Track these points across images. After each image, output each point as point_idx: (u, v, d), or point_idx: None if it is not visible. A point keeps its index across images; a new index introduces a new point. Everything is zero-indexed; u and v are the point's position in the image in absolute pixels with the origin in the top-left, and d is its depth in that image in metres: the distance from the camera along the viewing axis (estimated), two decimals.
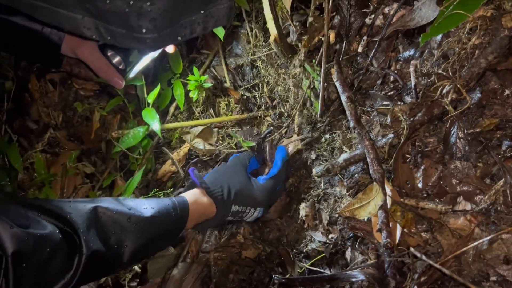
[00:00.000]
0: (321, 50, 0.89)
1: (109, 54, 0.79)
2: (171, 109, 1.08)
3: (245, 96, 1.08)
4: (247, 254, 0.98)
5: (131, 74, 0.85)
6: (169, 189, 1.03)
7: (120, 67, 0.79)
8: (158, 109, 1.04)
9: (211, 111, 1.08)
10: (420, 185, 0.74)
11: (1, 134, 1.19)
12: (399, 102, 0.79)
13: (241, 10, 1.02)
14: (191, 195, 0.80)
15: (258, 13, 1.01)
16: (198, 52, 1.11)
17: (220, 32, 0.96)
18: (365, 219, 0.74)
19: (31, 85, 1.15)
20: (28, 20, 0.76)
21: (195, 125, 1.05)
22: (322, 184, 0.93)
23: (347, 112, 0.77)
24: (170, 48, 0.82)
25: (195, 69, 1.02)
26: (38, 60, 0.86)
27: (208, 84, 1.02)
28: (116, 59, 0.79)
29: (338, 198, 0.88)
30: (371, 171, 0.73)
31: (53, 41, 0.76)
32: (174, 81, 1.03)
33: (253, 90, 1.07)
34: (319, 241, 0.85)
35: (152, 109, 0.97)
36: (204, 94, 1.04)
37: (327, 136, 0.95)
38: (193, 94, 1.02)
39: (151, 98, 0.96)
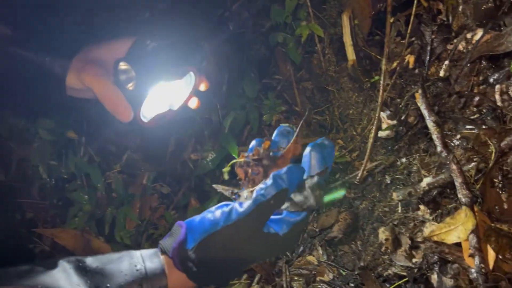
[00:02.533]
0: (394, 75, 0.90)
1: (120, 66, 0.66)
2: (245, 132, 1.11)
3: (315, 120, 1.10)
4: (322, 277, 0.98)
5: (147, 112, 0.69)
6: None
7: (130, 87, 0.66)
8: (233, 132, 1.08)
9: None
10: (509, 210, 0.73)
11: (80, 156, 1.26)
12: (483, 126, 0.79)
13: (314, 36, 1.05)
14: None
15: (332, 39, 1.04)
16: (270, 77, 1.15)
17: (296, 57, 0.99)
18: (454, 244, 0.73)
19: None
20: (28, 50, 0.69)
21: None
22: (399, 208, 0.93)
23: (434, 136, 0.77)
24: (194, 103, 0.76)
25: (270, 94, 1.05)
26: (40, 93, 0.74)
27: (282, 108, 1.05)
28: (129, 75, 0.66)
29: (418, 222, 0.87)
30: (459, 195, 0.73)
31: (57, 73, 0.68)
32: (249, 106, 1.07)
33: (324, 114, 1.09)
34: (401, 265, 0.84)
35: (229, 133, 1.00)
36: (276, 118, 1.07)
37: (404, 160, 0.95)
38: (267, 118, 1.05)
39: (227, 123, 1.00)
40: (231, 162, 0.57)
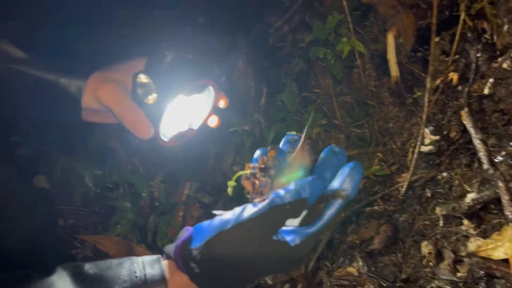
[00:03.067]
0: (437, 92, 0.92)
1: (139, 79, 0.64)
2: None
3: (354, 133, 1.12)
4: None
5: (166, 130, 0.68)
6: None
7: (149, 100, 0.64)
8: (274, 145, 1.10)
9: (322, 147, 1.13)
10: None
11: (123, 165, 1.31)
12: None
13: (354, 51, 1.07)
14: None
15: (373, 54, 1.06)
16: (309, 91, 1.17)
17: (337, 73, 1.02)
18: (501, 260, 0.75)
19: None
20: (43, 70, 0.67)
21: None
22: (441, 222, 0.94)
23: (480, 154, 0.79)
24: (213, 122, 0.74)
25: (310, 107, 1.08)
26: (55, 115, 0.71)
27: (322, 121, 1.07)
28: (147, 89, 0.64)
29: (461, 236, 0.89)
30: (506, 212, 0.74)
31: (72, 94, 0.66)
32: (289, 119, 1.10)
33: (363, 127, 1.11)
34: (445, 279, 0.86)
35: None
36: (316, 131, 1.09)
37: (445, 174, 0.97)
38: (308, 131, 1.07)
39: (270, 136, 1.03)
40: (237, 174, 0.54)
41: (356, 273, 1.03)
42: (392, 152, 1.08)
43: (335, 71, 1.02)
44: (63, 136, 0.98)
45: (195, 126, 0.73)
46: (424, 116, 0.84)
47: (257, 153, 0.55)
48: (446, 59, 0.89)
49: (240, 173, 0.53)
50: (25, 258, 0.96)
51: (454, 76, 0.88)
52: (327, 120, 1.11)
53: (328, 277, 1.03)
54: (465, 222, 0.87)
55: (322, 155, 0.54)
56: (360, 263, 1.04)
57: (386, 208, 1.06)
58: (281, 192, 0.48)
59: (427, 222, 0.98)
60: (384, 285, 0.99)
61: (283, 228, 0.50)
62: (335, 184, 0.50)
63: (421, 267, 0.95)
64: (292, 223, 0.50)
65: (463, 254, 0.85)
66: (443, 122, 0.93)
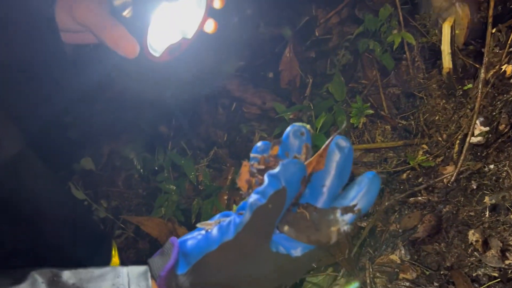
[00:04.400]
0: (489, 84, 0.93)
1: None
2: (331, 132, 1.16)
3: (400, 124, 1.14)
4: (405, 275, 1.02)
5: (156, 44, 0.61)
6: None
7: (126, 14, 0.57)
8: (322, 132, 1.13)
9: (368, 137, 1.15)
10: None
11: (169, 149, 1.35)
12: None
13: (404, 43, 1.09)
14: None
15: (423, 47, 1.08)
16: (356, 81, 1.20)
17: (389, 63, 1.04)
18: None
19: (201, 108, 1.30)
20: None
21: (354, 149, 1.12)
22: (487, 213, 0.95)
23: None
24: (210, 27, 0.66)
25: (358, 98, 1.10)
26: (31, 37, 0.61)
27: (369, 111, 1.10)
28: (126, 10, 0.58)
29: (508, 226, 0.90)
30: None
31: (43, 10, 0.59)
32: (336, 108, 1.12)
33: (409, 119, 1.13)
34: (492, 266, 0.87)
35: (320, 134, 1.06)
36: (363, 120, 1.12)
37: (492, 166, 0.98)
38: (355, 121, 1.10)
39: (319, 123, 1.06)
40: (237, 175, 0.47)
41: (398, 261, 1.05)
42: (438, 144, 1.10)
43: (386, 61, 1.04)
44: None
45: (190, 34, 0.65)
46: (477, 106, 0.86)
47: (257, 148, 0.46)
48: (500, 51, 0.91)
49: (240, 173, 0.46)
50: (63, 241, 1.00)
51: (508, 69, 0.90)
52: (374, 110, 1.13)
53: (370, 263, 1.06)
54: None
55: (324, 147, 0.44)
56: (403, 251, 1.06)
57: (430, 198, 1.07)
58: (256, 192, 0.41)
59: (472, 213, 0.99)
60: (427, 272, 1.01)
61: (283, 236, 0.44)
62: (350, 195, 0.42)
63: (466, 256, 0.96)
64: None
65: (511, 243, 0.86)
66: (494, 114, 0.94)
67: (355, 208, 0.42)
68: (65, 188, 1.36)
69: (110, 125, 1.48)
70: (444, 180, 1.06)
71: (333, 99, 1.15)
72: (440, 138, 1.09)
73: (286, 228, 0.43)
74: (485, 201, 0.89)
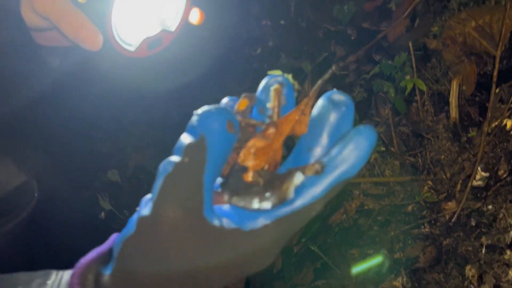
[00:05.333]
0: (491, 134, 1.04)
1: None
2: None
3: (408, 161, 1.24)
4: None
5: (129, 37, 0.54)
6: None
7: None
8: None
9: (378, 171, 1.25)
10: None
11: None
12: None
13: (415, 88, 1.19)
14: None
15: (433, 93, 1.18)
16: (369, 118, 1.30)
17: (401, 107, 1.14)
18: None
19: None
20: None
21: (365, 182, 1.23)
22: (483, 249, 1.05)
23: None
24: (195, 16, 0.57)
25: None
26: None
27: (381, 148, 1.20)
28: None
29: (502, 264, 1.00)
30: None
31: (9, 5, 0.53)
32: None
33: (417, 156, 1.23)
34: None
35: None
36: (375, 156, 1.22)
37: (490, 207, 1.08)
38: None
39: None
40: None
41: (400, 287, 1.14)
42: (442, 182, 1.20)
43: (398, 105, 1.14)
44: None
45: (172, 27, 0.57)
46: (479, 155, 0.96)
47: (225, 101, 0.37)
48: (503, 106, 1.01)
49: None
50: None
51: (508, 122, 1.00)
52: (385, 147, 1.23)
53: None
54: (508, 252, 0.98)
55: (317, 106, 0.34)
56: (405, 279, 1.16)
57: (432, 231, 1.17)
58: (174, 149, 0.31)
59: (470, 248, 1.09)
60: None
61: (229, 208, 0.32)
62: (333, 152, 0.31)
63: (462, 287, 1.06)
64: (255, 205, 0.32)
65: (503, 280, 0.96)
66: (494, 161, 1.04)
67: (318, 167, 0.31)
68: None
69: (136, 140, 1.59)
70: (446, 215, 1.16)
71: None
72: (444, 177, 1.19)
73: (234, 198, 0.32)
74: (482, 240, 0.99)
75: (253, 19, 1.58)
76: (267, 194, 0.32)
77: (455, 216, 1.02)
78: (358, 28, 1.40)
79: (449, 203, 1.19)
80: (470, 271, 1.01)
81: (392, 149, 1.24)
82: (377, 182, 1.23)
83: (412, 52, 1.20)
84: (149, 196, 0.32)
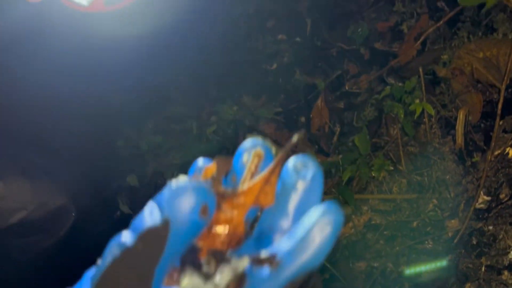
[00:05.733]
0: (494, 161, 1.10)
1: None
2: (353, 183, 1.34)
3: (415, 179, 1.31)
4: None
5: None
6: None
7: None
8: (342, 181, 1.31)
9: (386, 188, 1.32)
10: None
11: None
12: None
13: (424, 112, 1.26)
14: None
15: (441, 117, 1.24)
16: (379, 137, 1.37)
17: (410, 131, 1.21)
18: None
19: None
20: None
21: (373, 198, 1.30)
22: (483, 268, 1.13)
23: None
24: None
25: (380, 155, 1.27)
26: None
27: (390, 167, 1.27)
28: None
29: (500, 283, 1.07)
30: None
31: None
32: (360, 161, 1.29)
33: (423, 175, 1.30)
34: None
35: (346, 186, 1.23)
36: (383, 174, 1.29)
37: (491, 227, 1.15)
38: (376, 174, 1.27)
39: (346, 176, 1.23)
40: None
41: None
42: (446, 200, 1.27)
43: (407, 129, 1.20)
44: None
45: None
46: (482, 181, 1.03)
47: (199, 164, 0.32)
48: (506, 135, 1.07)
49: None
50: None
51: (510, 151, 1.06)
52: (393, 165, 1.30)
53: None
54: (505, 272, 1.05)
55: (281, 174, 0.30)
56: None
57: (436, 247, 1.25)
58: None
59: (470, 265, 1.16)
60: None
61: None
62: (290, 242, 0.26)
63: None
64: None
65: None
66: (496, 187, 1.11)
67: (275, 261, 0.27)
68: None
69: (156, 147, 1.67)
70: (449, 233, 1.23)
71: (358, 152, 1.32)
72: (448, 196, 1.26)
73: (185, 280, 0.29)
74: (482, 260, 1.06)
75: (269, 34, 1.64)
76: (217, 279, 0.27)
77: (459, 235, 1.09)
78: (371, 48, 1.46)
79: (452, 221, 1.26)
80: None
81: (400, 167, 1.31)
82: (385, 198, 1.30)
83: (422, 76, 1.26)
84: (93, 271, 0.27)
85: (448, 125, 1.24)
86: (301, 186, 0.28)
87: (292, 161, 0.29)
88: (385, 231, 1.29)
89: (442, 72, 1.16)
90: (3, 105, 1.10)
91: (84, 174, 1.34)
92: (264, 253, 0.27)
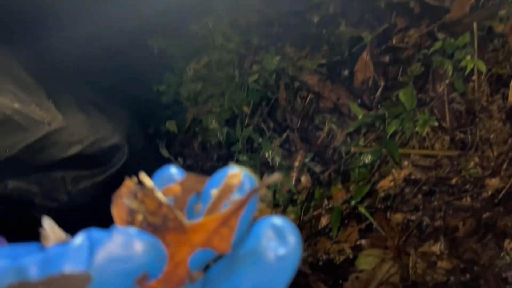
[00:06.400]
0: None
1: None
2: (396, 137, 1.34)
3: (458, 137, 1.31)
4: (442, 265, 1.23)
5: None
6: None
7: None
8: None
9: (428, 143, 1.32)
10: None
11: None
12: None
13: (474, 69, 1.24)
14: None
15: (491, 75, 1.23)
16: (425, 93, 1.36)
17: (460, 87, 1.19)
18: None
19: (281, 95, 1.49)
20: None
21: (415, 154, 1.31)
22: None
23: None
24: None
25: (426, 111, 1.27)
26: None
27: (435, 123, 1.27)
28: None
29: None
30: None
31: None
32: (405, 116, 1.29)
33: (467, 133, 1.30)
34: None
35: (391, 139, 1.24)
36: (427, 130, 1.29)
37: None
38: (420, 130, 1.27)
39: (391, 129, 1.23)
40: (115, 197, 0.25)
41: (438, 252, 1.25)
42: (488, 159, 1.27)
43: (457, 85, 1.19)
44: None
45: None
46: None
47: (167, 173, 0.26)
48: None
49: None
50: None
51: None
52: (437, 121, 1.30)
53: (414, 251, 1.26)
54: None
55: (251, 228, 0.23)
56: (443, 245, 1.25)
57: (473, 204, 1.26)
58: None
59: (509, 224, 1.18)
60: (462, 266, 1.21)
61: None
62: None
63: (498, 258, 1.15)
64: None
65: None
66: None
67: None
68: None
69: (195, 94, 1.68)
70: (489, 191, 1.24)
71: (402, 106, 1.31)
72: (491, 155, 1.26)
73: None
74: None
75: None
76: None
77: (502, 193, 1.10)
78: (421, 2, 1.42)
79: (493, 180, 1.26)
80: (509, 245, 1.10)
81: (444, 124, 1.30)
82: (426, 154, 1.30)
83: (475, 32, 1.23)
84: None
85: (499, 83, 1.23)
86: (269, 257, 0.21)
87: (272, 220, 0.22)
88: (424, 186, 1.31)
89: (499, 28, 1.13)
90: (65, 50, 1.13)
91: (133, 116, 1.37)
92: None
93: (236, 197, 0.23)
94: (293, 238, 0.21)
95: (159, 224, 0.23)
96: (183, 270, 0.23)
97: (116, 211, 0.24)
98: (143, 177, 0.25)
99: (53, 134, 1.03)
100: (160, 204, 0.23)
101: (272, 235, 0.22)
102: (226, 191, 0.24)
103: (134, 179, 0.24)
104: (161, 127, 1.69)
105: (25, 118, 0.98)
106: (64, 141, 1.06)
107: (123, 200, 0.24)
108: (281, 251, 0.21)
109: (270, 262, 0.21)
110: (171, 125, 1.69)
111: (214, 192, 0.24)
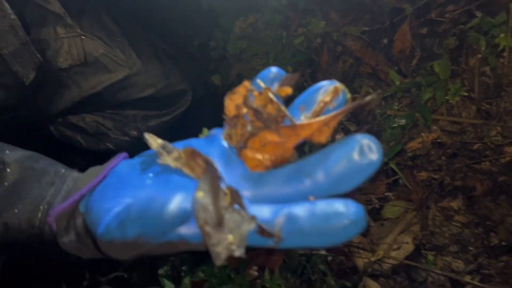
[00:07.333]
0: None
1: None
2: (428, 103, 1.48)
3: (484, 107, 1.44)
4: (459, 219, 1.40)
5: None
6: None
7: None
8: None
9: (456, 111, 1.46)
10: None
11: None
12: None
13: (507, 46, 1.36)
14: None
15: None
16: (457, 65, 1.48)
17: (493, 62, 1.32)
18: None
19: (323, 58, 1.61)
20: None
21: (443, 120, 1.45)
22: None
23: None
24: None
25: (458, 81, 1.40)
26: None
27: (464, 93, 1.40)
28: None
29: None
30: None
31: None
32: (438, 85, 1.43)
33: (493, 105, 1.43)
34: None
35: (425, 105, 1.37)
36: (457, 99, 1.43)
37: None
38: (451, 98, 1.41)
39: (426, 96, 1.37)
40: (231, 92, 0.36)
41: (456, 208, 1.41)
42: (509, 129, 1.41)
43: (490, 61, 1.32)
44: None
45: None
46: None
47: (268, 74, 0.33)
48: None
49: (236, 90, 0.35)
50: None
51: None
52: (467, 92, 1.43)
53: (435, 205, 1.42)
54: None
55: (342, 140, 0.28)
56: (461, 202, 1.41)
57: (491, 168, 1.41)
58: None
59: None
60: (477, 221, 1.38)
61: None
62: (301, 221, 0.25)
63: (510, 216, 1.31)
64: None
65: None
66: None
67: (276, 233, 0.26)
68: None
69: (241, 52, 1.81)
70: (507, 158, 1.39)
71: (436, 76, 1.45)
72: None
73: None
74: None
75: None
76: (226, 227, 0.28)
77: None
78: None
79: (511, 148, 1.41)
80: None
81: (473, 95, 1.44)
82: (454, 121, 1.45)
83: (511, 11, 1.35)
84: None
85: None
86: (353, 162, 0.27)
87: (362, 137, 0.27)
88: (448, 149, 1.46)
89: None
90: (142, 4, 1.26)
91: (196, 67, 1.51)
92: (279, 220, 0.27)
93: (334, 104, 0.32)
94: (379, 153, 0.27)
95: (267, 119, 0.32)
96: (289, 153, 0.33)
97: (227, 104, 0.35)
98: (259, 82, 0.35)
99: (133, 76, 1.18)
100: (270, 101, 0.32)
101: (365, 146, 0.27)
102: (328, 99, 0.32)
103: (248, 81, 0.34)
104: (207, 80, 1.83)
105: (110, 61, 1.13)
106: (141, 83, 1.21)
107: (235, 95, 0.34)
108: (372, 157, 0.27)
109: (361, 158, 0.27)
110: (216, 79, 1.83)
111: (319, 98, 0.32)
